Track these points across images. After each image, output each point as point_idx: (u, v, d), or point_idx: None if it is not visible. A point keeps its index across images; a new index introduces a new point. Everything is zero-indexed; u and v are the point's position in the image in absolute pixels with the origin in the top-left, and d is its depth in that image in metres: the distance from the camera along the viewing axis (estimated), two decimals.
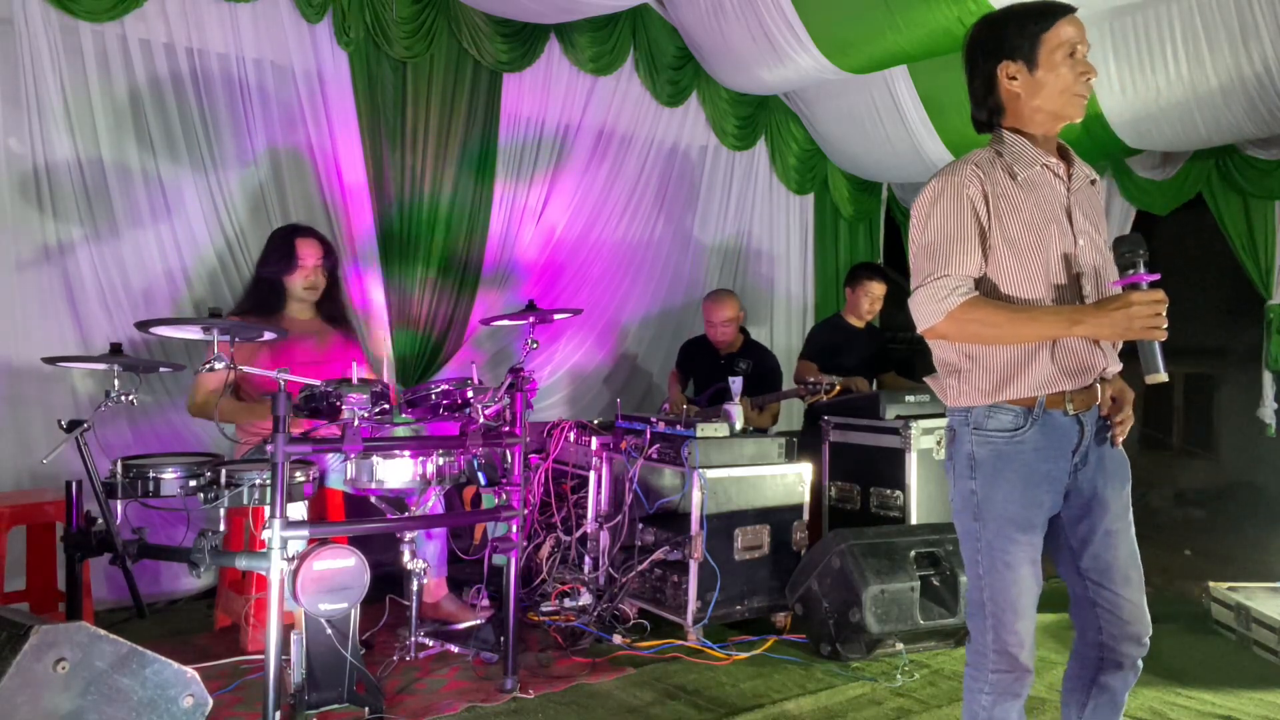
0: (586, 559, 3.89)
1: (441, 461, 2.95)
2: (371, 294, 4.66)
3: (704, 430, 3.59)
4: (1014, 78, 1.90)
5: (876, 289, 5.06)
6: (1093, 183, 2.01)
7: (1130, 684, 1.99)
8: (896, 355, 5.28)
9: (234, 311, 3.66)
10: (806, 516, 3.78)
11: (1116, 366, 1.95)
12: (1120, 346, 1.95)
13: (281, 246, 3.71)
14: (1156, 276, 1.74)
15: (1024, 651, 1.89)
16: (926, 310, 1.86)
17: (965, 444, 1.93)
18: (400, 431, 3.41)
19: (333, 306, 3.86)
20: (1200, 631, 3.76)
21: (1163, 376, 1.75)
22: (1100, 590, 1.94)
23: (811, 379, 4.23)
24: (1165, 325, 1.74)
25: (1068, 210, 1.92)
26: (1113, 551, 1.93)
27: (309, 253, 3.70)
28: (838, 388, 4.14)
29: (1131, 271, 1.76)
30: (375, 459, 2.85)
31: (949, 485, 2.00)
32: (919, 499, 4.02)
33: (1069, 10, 1.90)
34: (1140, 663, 1.97)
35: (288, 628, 2.56)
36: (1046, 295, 1.87)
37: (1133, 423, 1.98)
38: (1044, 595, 1.94)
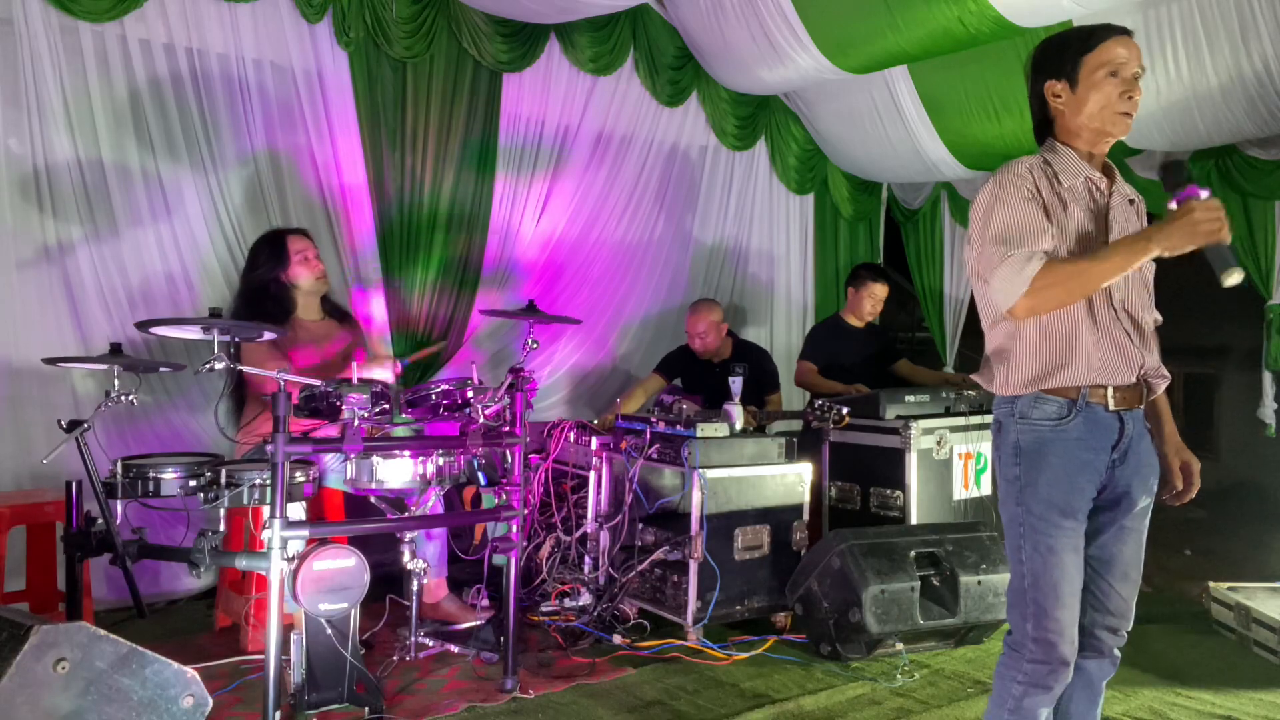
0: (586, 559, 3.89)
1: (441, 461, 2.95)
2: (371, 294, 4.66)
3: (704, 430, 3.59)
4: (1058, 95, 2.01)
5: (880, 290, 5.06)
6: (1131, 202, 2.08)
7: (1108, 674, 2.07)
8: (897, 356, 5.27)
9: (239, 318, 3.64)
10: (806, 516, 3.78)
11: (1155, 362, 2.01)
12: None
13: (274, 248, 3.70)
14: (1208, 191, 1.80)
15: (1063, 641, 1.91)
16: (1009, 287, 1.88)
17: (1010, 433, 2.00)
18: (400, 431, 3.41)
19: (332, 301, 3.88)
20: (1200, 631, 3.76)
21: (1239, 273, 1.78)
22: (1097, 579, 2.01)
23: (820, 404, 4.14)
24: (1226, 226, 1.77)
25: (1104, 222, 2.00)
26: (1120, 546, 2.01)
27: (306, 245, 3.71)
28: (846, 419, 4.07)
29: (1181, 189, 1.81)
30: (375, 459, 2.85)
31: (997, 479, 2.06)
32: (919, 499, 4.02)
33: (1117, 32, 1.96)
34: (1118, 653, 2.05)
35: (288, 628, 2.56)
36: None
37: (1196, 489, 2.11)
38: None
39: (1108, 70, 1.93)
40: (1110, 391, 1.94)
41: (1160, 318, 2.09)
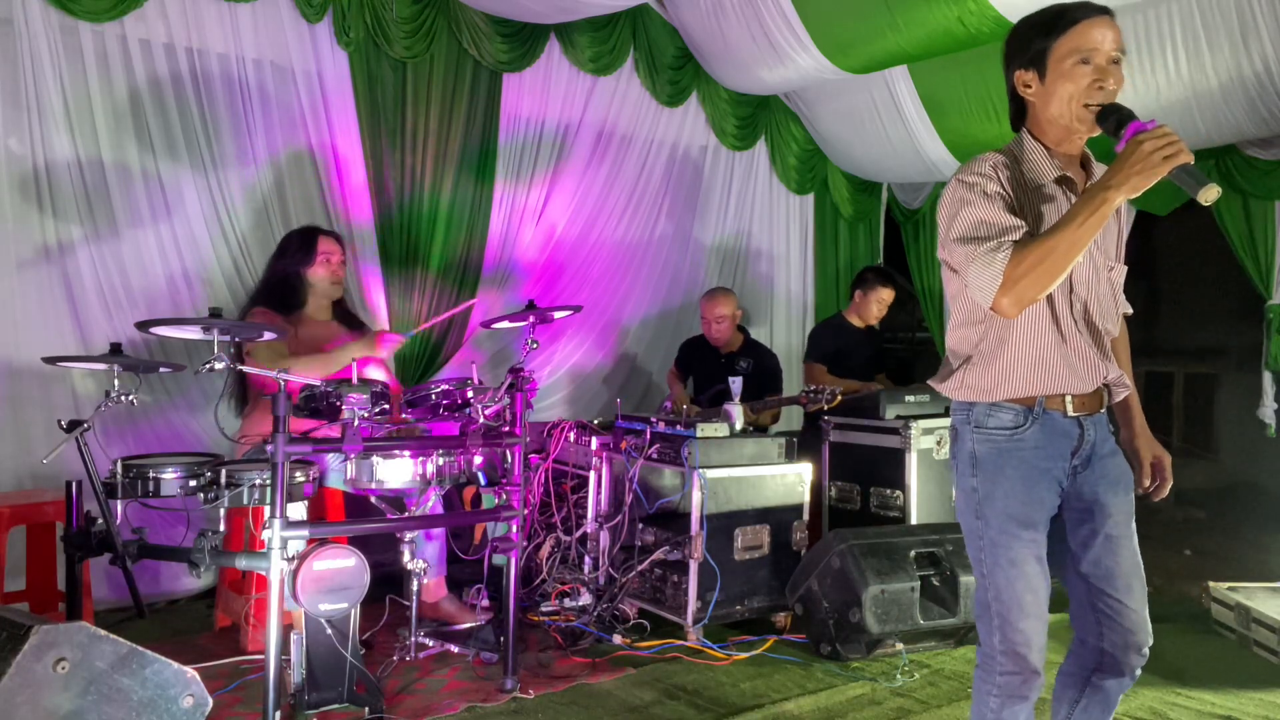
0: (586, 559, 3.89)
1: (441, 461, 2.95)
2: (371, 294, 4.67)
3: (704, 430, 3.59)
4: (1028, 86, 1.88)
5: (886, 295, 5.08)
6: None
7: (1126, 688, 1.99)
8: (897, 355, 5.28)
9: (252, 303, 3.65)
10: (806, 516, 3.77)
11: (1117, 372, 1.94)
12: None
13: (303, 243, 3.73)
14: (1154, 122, 1.67)
15: (1032, 651, 1.86)
16: (982, 283, 1.75)
17: (967, 442, 1.93)
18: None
19: (346, 308, 3.90)
20: (1200, 631, 3.76)
21: (1215, 188, 1.62)
22: (1103, 596, 1.92)
23: (813, 387, 4.22)
24: (1184, 148, 1.62)
25: None
26: (1114, 557, 1.91)
27: (333, 249, 3.74)
28: (839, 398, 4.12)
29: (1125, 128, 1.70)
30: (375, 459, 2.85)
31: (952, 484, 1.99)
32: (919, 499, 4.02)
33: (1093, 13, 1.80)
34: (1139, 671, 1.96)
35: (288, 628, 2.56)
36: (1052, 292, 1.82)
37: (1170, 484, 2.03)
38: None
39: (1078, 57, 1.78)
40: (1069, 398, 1.87)
41: (1130, 309, 2.02)
